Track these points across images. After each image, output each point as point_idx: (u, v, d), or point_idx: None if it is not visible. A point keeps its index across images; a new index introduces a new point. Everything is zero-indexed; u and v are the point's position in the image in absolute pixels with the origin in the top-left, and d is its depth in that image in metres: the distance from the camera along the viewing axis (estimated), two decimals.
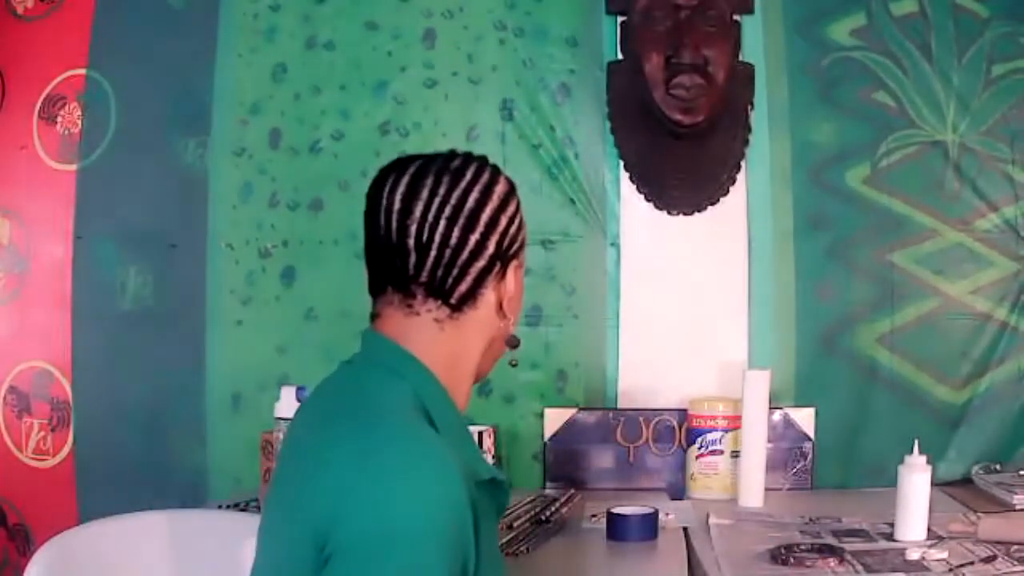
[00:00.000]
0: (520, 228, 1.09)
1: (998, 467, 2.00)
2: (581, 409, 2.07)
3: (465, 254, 1.02)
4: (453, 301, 1.03)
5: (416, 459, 0.91)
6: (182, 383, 2.15)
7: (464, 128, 2.10)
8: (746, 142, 2.08)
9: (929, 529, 1.58)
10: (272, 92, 2.16)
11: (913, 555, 1.48)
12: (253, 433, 1.91)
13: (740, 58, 2.07)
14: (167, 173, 2.18)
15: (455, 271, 1.02)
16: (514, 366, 1.16)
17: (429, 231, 1.01)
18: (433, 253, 1.01)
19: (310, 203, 2.12)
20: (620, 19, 2.08)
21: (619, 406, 2.08)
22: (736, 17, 2.06)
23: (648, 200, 2.10)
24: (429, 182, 1.02)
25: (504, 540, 1.61)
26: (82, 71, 2.21)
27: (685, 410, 2.01)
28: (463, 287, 1.03)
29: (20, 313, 2.24)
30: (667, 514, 1.73)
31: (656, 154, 2.07)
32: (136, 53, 2.19)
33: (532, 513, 1.78)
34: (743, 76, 2.07)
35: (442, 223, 1.01)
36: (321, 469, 0.92)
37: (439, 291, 1.03)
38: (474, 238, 1.02)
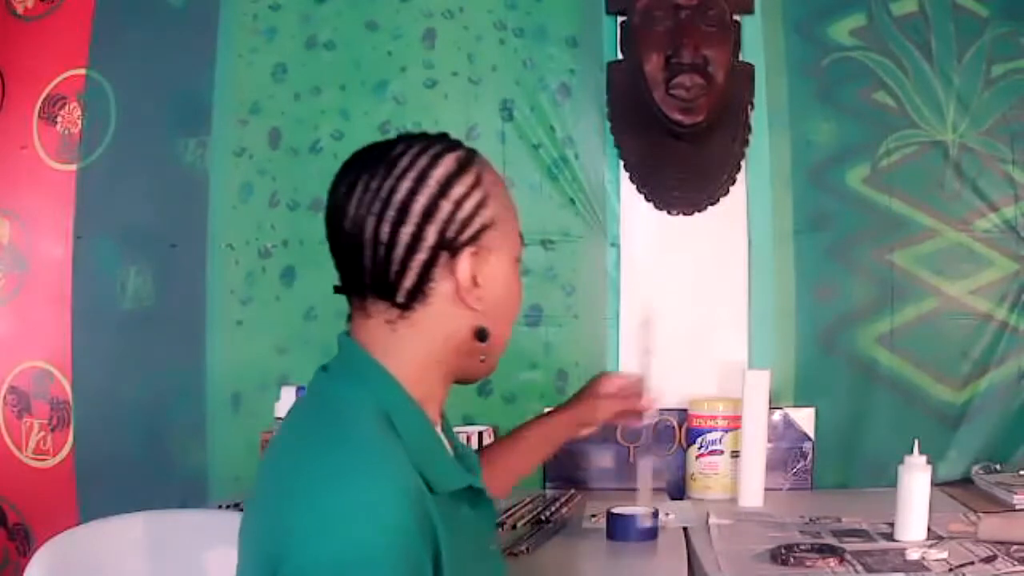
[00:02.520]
0: (476, 210, 0.99)
1: (998, 467, 1.99)
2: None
3: (400, 249, 0.95)
4: (400, 300, 0.97)
5: (358, 479, 0.86)
6: (182, 383, 2.15)
7: (464, 128, 2.10)
8: (746, 142, 2.08)
9: (929, 529, 1.58)
10: (272, 92, 2.16)
11: (913, 555, 1.48)
12: (253, 433, 1.91)
13: (740, 58, 2.07)
14: (167, 173, 2.18)
15: (394, 268, 0.96)
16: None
17: (360, 230, 0.95)
18: (367, 252, 0.96)
19: (310, 203, 2.12)
20: (620, 19, 2.09)
21: None
22: (736, 17, 2.06)
23: (648, 200, 2.10)
24: (362, 177, 0.97)
25: (504, 540, 1.61)
26: (82, 71, 2.21)
27: (685, 410, 2.01)
28: (407, 283, 0.96)
29: (20, 313, 2.24)
30: (667, 514, 1.73)
31: (656, 154, 2.07)
32: (136, 53, 2.19)
33: (532, 513, 1.79)
34: (743, 76, 2.07)
35: (370, 220, 0.95)
36: (274, 497, 0.89)
37: (383, 291, 0.97)
38: (407, 231, 0.95)
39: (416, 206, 0.96)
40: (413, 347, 0.99)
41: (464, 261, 0.98)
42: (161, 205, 2.19)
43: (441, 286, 0.98)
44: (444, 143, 1.02)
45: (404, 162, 0.97)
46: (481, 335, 1.01)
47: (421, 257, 0.96)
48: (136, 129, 2.19)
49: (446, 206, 0.97)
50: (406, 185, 0.96)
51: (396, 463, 0.89)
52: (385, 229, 0.95)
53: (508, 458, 1.41)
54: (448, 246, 0.97)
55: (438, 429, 1.03)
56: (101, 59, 2.21)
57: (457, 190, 0.98)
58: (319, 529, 0.83)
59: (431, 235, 0.96)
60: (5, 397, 2.23)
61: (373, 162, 0.98)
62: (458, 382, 1.05)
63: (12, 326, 2.24)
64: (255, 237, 2.15)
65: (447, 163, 0.99)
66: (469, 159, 1.01)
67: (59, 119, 2.22)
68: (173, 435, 2.15)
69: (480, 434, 1.96)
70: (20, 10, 2.27)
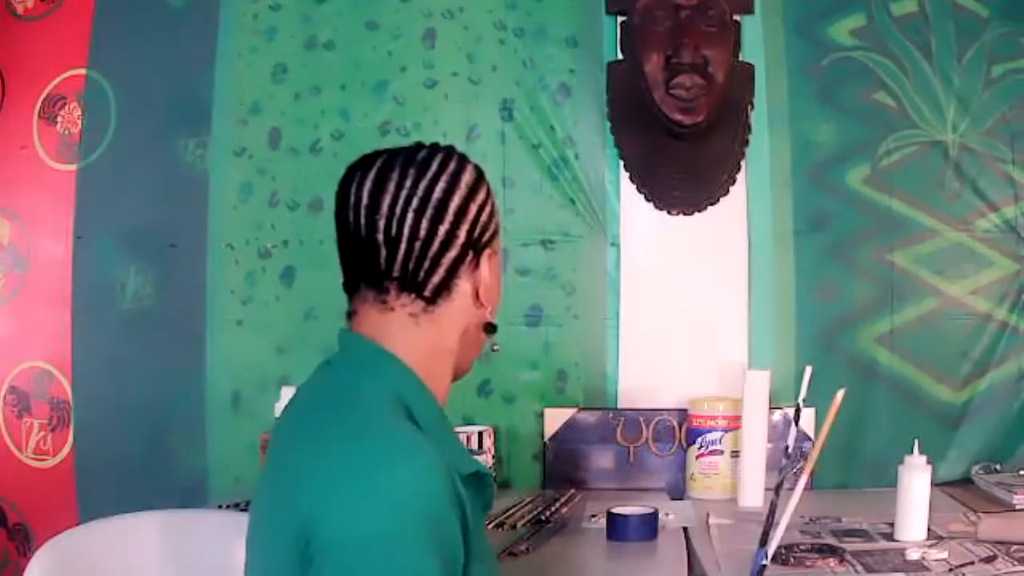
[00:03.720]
0: (492, 215, 1.07)
1: (998, 467, 2.00)
2: (581, 409, 2.07)
3: (436, 245, 1.01)
4: (427, 294, 1.02)
5: (398, 459, 0.90)
6: (182, 383, 2.15)
7: (464, 128, 2.10)
8: (746, 142, 2.08)
9: (929, 529, 1.58)
10: (272, 92, 2.16)
11: (913, 555, 1.48)
12: (253, 433, 1.91)
13: (740, 58, 2.07)
14: (167, 173, 2.18)
15: (427, 263, 1.01)
16: (495, 351, 1.14)
17: (398, 225, 1.00)
18: (403, 247, 1.00)
19: (310, 203, 2.13)
20: (620, 19, 2.09)
21: (619, 406, 2.08)
22: (736, 17, 2.06)
23: (648, 200, 2.10)
24: (395, 175, 1.01)
25: (504, 540, 1.61)
26: (82, 71, 2.21)
27: (685, 410, 2.01)
28: (436, 279, 1.02)
29: (20, 313, 2.24)
30: (667, 514, 1.73)
31: (656, 154, 2.08)
32: (136, 53, 2.19)
33: (532, 513, 1.79)
34: (743, 76, 2.07)
35: (410, 216, 1.00)
36: (304, 475, 0.91)
37: (412, 285, 1.02)
38: (444, 228, 1.01)
39: (452, 206, 1.02)
40: (430, 340, 1.03)
41: (485, 261, 1.06)
42: (161, 205, 2.19)
43: (464, 283, 1.04)
44: (456, 151, 1.07)
45: (435, 165, 1.03)
46: (490, 329, 1.09)
47: (452, 254, 1.02)
48: (136, 129, 2.19)
49: (473, 208, 1.04)
50: (441, 186, 1.02)
51: (425, 446, 0.92)
52: (424, 225, 1.00)
53: None
54: (475, 246, 1.04)
55: None
56: (101, 59, 2.21)
57: (480, 195, 1.05)
58: (354, 498, 0.87)
59: (463, 234, 1.03)
60: (5, 397, 2.23)
61: (401, 163, 1.03)
62: (457, 375, 1.10)
63: (12, 326, 2.24)
64: (255, 237, 2.15)
65: (471, 169, 1.06)
66: (479, 167, 1.08)
67: (59, 119, 2.22)
68: (173, 435, 2.15)
69: (480, 434, 1.96)
70: (20, 10, 2.27)
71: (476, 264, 1.05)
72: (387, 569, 0.85)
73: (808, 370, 1.42)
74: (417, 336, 1.03)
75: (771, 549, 1.24)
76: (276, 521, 0.92)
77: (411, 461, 0.90)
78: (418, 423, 0.97)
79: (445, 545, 0.89)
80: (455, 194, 1.02)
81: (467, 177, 1.04)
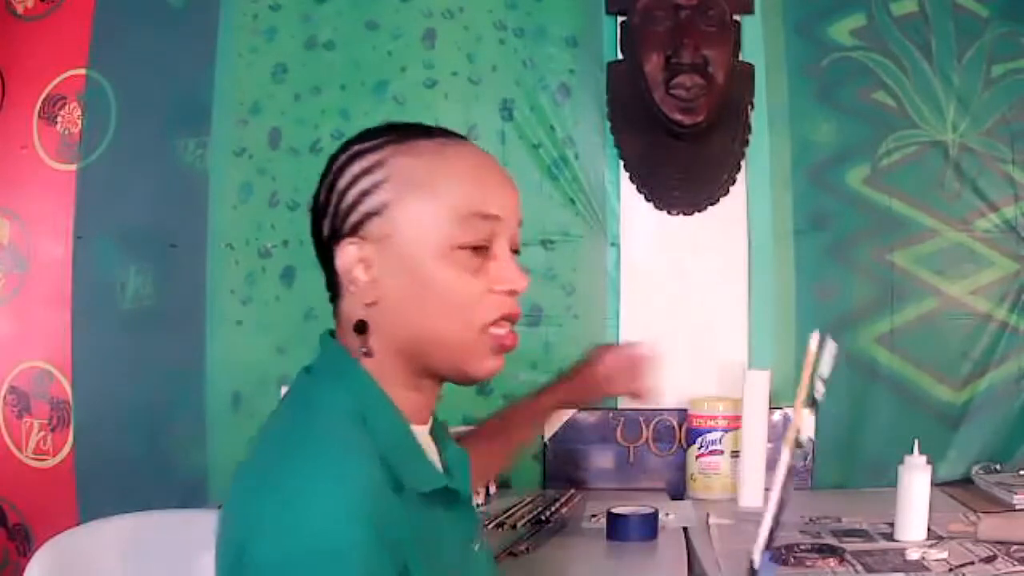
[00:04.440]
0: (360, 198, 0.96)
1: (998, 467, 2.00)
2: (581, 409, 2.07)
3: (317, 247, 1.00)
4: (331, 292, 1.00)
5: (322, 484, 0.85)
6: (182, 383, 2.15)
7: (464, 128, 2.10)
8: (746, 142, 2.08)
9: (929, 529, 1.58)
10: (272, 92, 2.16)
11: (913, 555, 1.48)
12: (253, 433, 1.90)
13: (740, 58, 2.07)
14: (167, 173, 2.18)
15: (322, 261, 0.99)
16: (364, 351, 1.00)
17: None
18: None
19: (310, 203, 2.12)
20: (620, 19, 2.09)
21: (619, 406, 2.08)
22: (736, 17, 2.06)
23: (648, 200, 2.10)
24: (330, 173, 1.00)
25: (504, 540, 1.61)
26: (82, 71, 2.21)
27: (685, 410, 2.01)
28: (328, 276, 0.99)
29: (20, 313, 2.24)
30: (667, 514, 1.73)
31: (656, 154, 2.08)
32: (136, 53, 2.19)
33: (532, 513, 1.79)
34: (743, 76, 2.07)
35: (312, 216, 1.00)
36: (242, 494, 0.89)
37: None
38: (317, 228, 0.99)
39: (320, 201, 0.99)
40: (381, 342, 0.97)
41: (343, 250, 0.96)
42: (161, 205, 2.19)
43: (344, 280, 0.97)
44: (374, 135, 1.01)
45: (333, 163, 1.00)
46: (359, 327, 0.97)
47: (323, 252, 0.99)
48: (136, 129, 2.19)
49: (333, 199, 0.98)
50: (323, 183, 0.99)
51: (358, 459, 0.88)
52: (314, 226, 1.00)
53: (492, 442, 1.39)
54: (335, 238, 0.97)
55: (422, 428, 1.01)
56: (101, 59, 2.21)
57: (341, 181, 0.97)
58: (278, 521, 0.83)
59: (326, 229, 0.98)
60: (5, 397, 2.23)
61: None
62: (454, 381, 1.01)
63: (12, 326, 2.24)
64: (255, 237, 2.16)
65: (347, 153, 0.99)
66: (378, 145, 0.99)
67: (59, 119, 2.22)
68: (173, 435, 2.15)
69: None
70: (20, 10, 2.27)
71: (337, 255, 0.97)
72: None
73: (831, 345, 1.14)
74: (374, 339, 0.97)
75: (761, 539, 1.18)
76: (221, 533, 0.90)
77: (330, 476, 0.85)
78: (373, 433, 0.92)
79: (360, 560, 0.83)
80: (322, 189, 0.99)
81: (334, 166, 0.99)
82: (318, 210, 0.99)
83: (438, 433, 1.06)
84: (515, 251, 1.01)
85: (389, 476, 0.90)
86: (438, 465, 1.01)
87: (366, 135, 1.02)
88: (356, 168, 0.98)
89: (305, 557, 0.81)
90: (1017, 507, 1.77)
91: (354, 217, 0.96)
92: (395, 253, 0.95)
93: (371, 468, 0.88)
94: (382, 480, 0.88)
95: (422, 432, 1.01)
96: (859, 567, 1.44)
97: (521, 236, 1.02)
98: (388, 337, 0.97)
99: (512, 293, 0.99)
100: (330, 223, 0.97)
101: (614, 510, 1.66)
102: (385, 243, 0.95)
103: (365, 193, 0.96)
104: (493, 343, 0.98)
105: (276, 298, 2.15)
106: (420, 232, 0.95)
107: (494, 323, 0.97)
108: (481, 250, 0.97)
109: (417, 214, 0.95)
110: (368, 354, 0.97)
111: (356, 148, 1.00)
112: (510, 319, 0.99)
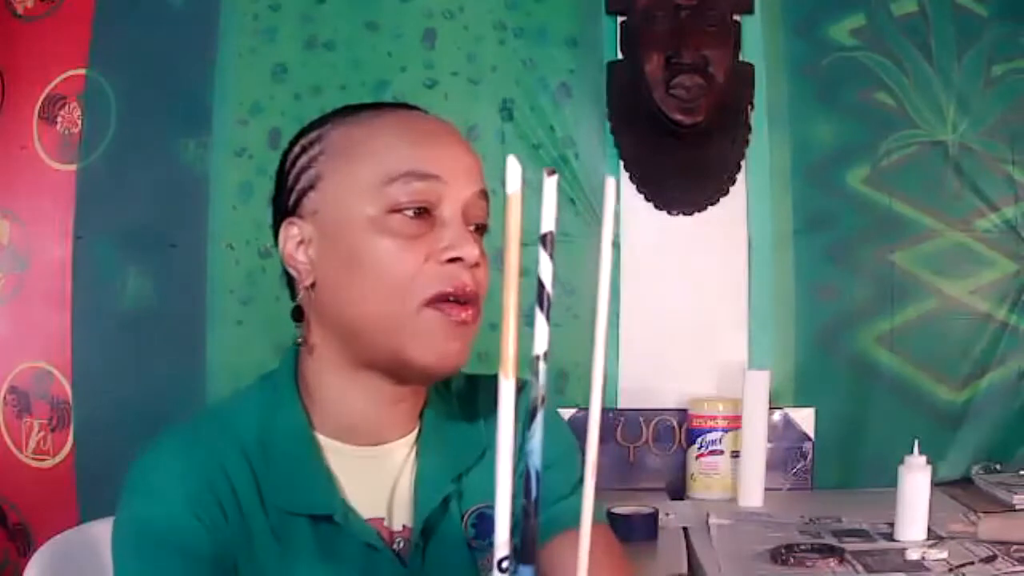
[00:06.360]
0: (298, 176, 0.91)
1: (998, 467, 2.00)
2: (581, 409, 2.07)
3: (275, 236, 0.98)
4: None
5: (138, 486, 0.96)
6: (182, 383, 2.15)
7: (464, 128, 2.09)
8: (746, 142, 2.08)
9: (929, 529, 1.58)
10: (272, 92, 2.16)
11: (913, 555, 1.48)
12: None
13: (740, 58, 2.07)
14: (167, 173, 2.18)
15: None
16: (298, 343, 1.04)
17: None
18: None
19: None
20: (620, 19, 2.08)
21: (619, 406, 2.08)
22: (736, 17, 2.06)
23: (648, 200, 2.10)
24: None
25: None
26: (82, 71, 2.21)
27: (685, 410, 2.01)
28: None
29: (20, 313, 2.24)
30: (667, 514, 1.73)
31: (656, 154, 2.07)
32: (136, 53, 2.19)
33: None
34: (743, 76, 2.07)
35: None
36: None
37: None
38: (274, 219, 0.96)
39: (272, 194, 0.97)
40: (319, 334, 0.95)
41: (284, 231, 0.93)
42: (161, 205, 2.18)
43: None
44: (323, 116, 0.95)
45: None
46: (294, 315, 0.97)
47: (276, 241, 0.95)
48: (136, 129, 2.19)
49: (279, 183, 0.95)
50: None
51: (191, 462, 0.92)
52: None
53: None
54: (278, 220, 0.94)
55: (347, 445, 0.92)
56: (101, 59, 2.20)
57: (287, 164, 0.94)
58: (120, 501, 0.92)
59: (271, 216, 0.96)
60: (5, 397, 2.23)
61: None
62: (404, 375, 0.91)
63: (12, 326, 2.24)
64: (255, 237, 2.15)
65: (295, 141, 0.95)
66: (321, 122, 0.93)
67: (59, 119, 2.22)
68: None
69: None
70: (20, 10, 2.26)
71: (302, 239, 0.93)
72: None
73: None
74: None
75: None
76: None
77: (155, 468, 0.96)
78: (264, 448, 0.90)
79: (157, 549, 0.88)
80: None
81: (287, 156, 0.95)
82: (272, 202, 0.97)
83: (427, 443, 0.94)
84: (480, 226, 0.90)
85: (227, 483, 0.90)
86: (342, 489, 0.91)
87: (317, 118, 0.96)
88: (297, 148, 0.93)
89: (120, 536, 0.91)
90: (1017, 507, 1.77)
91: (294, 196, 0.91)
92: (329, 228, 0.89)
93: (200, 473, 0.91)
94: (212, 486, 0.90)
95: (352, 449, 0.91)
96: (859, 567, 1.44)
97: (490, 213, 0.92)
98: (329, 325, 0.92)
99: (457, 262, 0.86)
100: (276, 209, 0.95)
101: (614, 510, 1.66)
102: (318, 218, 0.90)
103: (303, 170, 0.91)
104: (437, 321, 0.86)
105: (276, 298, 2.13)
106: (350, 199, 0.87)
107: (436, 297, 0.86)
108: (423, 215, 0.86)
109: (347, 180, 0.88)
110: (306, 346, 0.94)
111: (304, 130, 0.95)
112: (457, 295, 0.86)
